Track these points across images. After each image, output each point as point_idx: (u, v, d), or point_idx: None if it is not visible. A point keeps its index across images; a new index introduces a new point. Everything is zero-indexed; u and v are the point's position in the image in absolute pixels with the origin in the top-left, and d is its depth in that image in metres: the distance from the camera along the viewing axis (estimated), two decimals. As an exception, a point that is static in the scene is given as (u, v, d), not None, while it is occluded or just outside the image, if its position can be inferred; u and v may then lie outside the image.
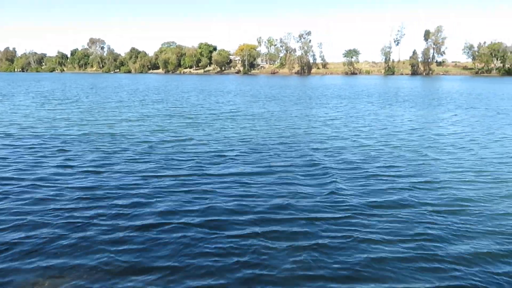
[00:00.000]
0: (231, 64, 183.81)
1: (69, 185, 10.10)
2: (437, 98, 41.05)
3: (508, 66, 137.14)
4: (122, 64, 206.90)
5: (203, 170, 11.69)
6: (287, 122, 22.45)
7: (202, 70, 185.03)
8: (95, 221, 7.88)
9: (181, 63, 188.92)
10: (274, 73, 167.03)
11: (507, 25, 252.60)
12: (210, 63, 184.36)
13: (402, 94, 47.02)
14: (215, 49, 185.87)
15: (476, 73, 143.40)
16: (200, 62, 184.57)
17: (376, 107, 31.61)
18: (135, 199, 9.16)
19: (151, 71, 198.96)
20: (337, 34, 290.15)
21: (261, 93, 49.23)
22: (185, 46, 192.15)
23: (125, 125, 20.72)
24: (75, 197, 9.24)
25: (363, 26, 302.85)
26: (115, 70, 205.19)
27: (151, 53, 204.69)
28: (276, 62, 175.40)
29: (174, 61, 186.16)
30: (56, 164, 12.13)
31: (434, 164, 12.61)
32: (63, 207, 8.63)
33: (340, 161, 12.84)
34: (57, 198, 9.20)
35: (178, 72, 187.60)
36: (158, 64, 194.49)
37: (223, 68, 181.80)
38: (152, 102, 35.64)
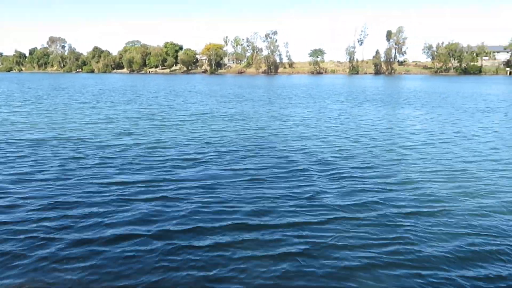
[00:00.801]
0: (197, 64, 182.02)
1: (28, 195, 9.36)
2: (404, 97, 42.05)
3: (465, 65, 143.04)
4: (84, 63, 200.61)
5: (175, 175, 11.23)
6: (259, 122, 22.22)
7: (168, 70, 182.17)
8: (58, 235, 7.25)
9: (147, 63, 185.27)
10: (241, 72, 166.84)
11: (463, 26, 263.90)
12: (176, 63, 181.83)
13: (370, 93, 47.93)
14: (181, 48, 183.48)
15: (435, 72, 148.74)
16: (166, 62, 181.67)
17: (346, 106, 31.92)
18: (102, 209, 8.59)
19: (115, 70, 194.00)
20: (303, 34, 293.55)
21: (231, 93, 48.81)
22: (150, 46, 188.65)
23: (91, 128, 19.78)
24: (34, 208, 8.54)
25: (328, 26, 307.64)
26: (77, 70, 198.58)
27: (115, 52, 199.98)
28: (243, 62, 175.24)
29: (139, 60, 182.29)
30: (13, 172, 11.28)
31: (407, 163, 12.73)
32: (20, 220, 7.92)
33: (315, 162, 12.73)
34: (13, 210, 8.46)
35: (143, 71, 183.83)
36: (122, 63, 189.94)
37: (189, 68, 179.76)
38: (118, 103, 34.46)
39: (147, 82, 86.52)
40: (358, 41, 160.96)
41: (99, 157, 13.31)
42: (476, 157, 13.57)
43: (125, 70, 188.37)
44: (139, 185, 10.27)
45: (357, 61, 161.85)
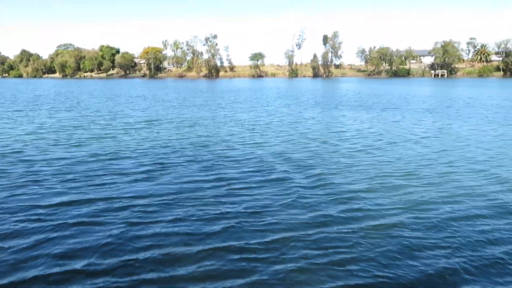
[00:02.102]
0: (136, 68, 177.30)
1: None
2: (348, 100, 44.07)
3: (395, 68, 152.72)
4: (11, 67, 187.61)
5: (129, 189, 10.95)
6: (209, 128, 22.44)
7: (104, 74, 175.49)
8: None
9: (81, 67, 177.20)
10: (181, 76, 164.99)
11: (393, 31, 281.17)
12: (113, 67, 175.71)
13: (318, 96, 49.67)
14: (118, 51, 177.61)
15: (369, 75, 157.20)
16: (102, 66, 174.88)
17: (299, 110, 32.88)
18: (38, 236, 7.91)
19: (46, 75, 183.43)
20: (243, 38, 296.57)
21: (175, 98, 48.26)
22: (85, 49, 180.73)
23: (25, 140, 18.66)
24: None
25: (268, 30, 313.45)
26: (3, 75, 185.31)
27: (45, 55, 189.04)
28: (183, 65, 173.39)
29: (72, 64, 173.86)
30: None
31: (361, 167, 13.70)
32: None
33: (273, 171, 13.23)
34: None
35: (77, 76, 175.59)
36: (54, 68, 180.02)
37: (127, 72, 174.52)
38: (55, 111, 32.92)
39: (84, 87, 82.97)
40: (297, 45, 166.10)
41: (37, 173, 12.60)
42: (424, 159, 14.94)
43: (57, 74, 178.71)
44: (93, 205, 9.86)
45: (296, 64, 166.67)
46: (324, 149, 16.44)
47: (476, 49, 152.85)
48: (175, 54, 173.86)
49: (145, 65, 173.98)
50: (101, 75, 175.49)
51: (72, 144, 17.60)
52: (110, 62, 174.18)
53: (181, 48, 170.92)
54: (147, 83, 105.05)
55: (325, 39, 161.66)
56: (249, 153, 15.71)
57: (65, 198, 10.14)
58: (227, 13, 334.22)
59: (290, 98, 47.55)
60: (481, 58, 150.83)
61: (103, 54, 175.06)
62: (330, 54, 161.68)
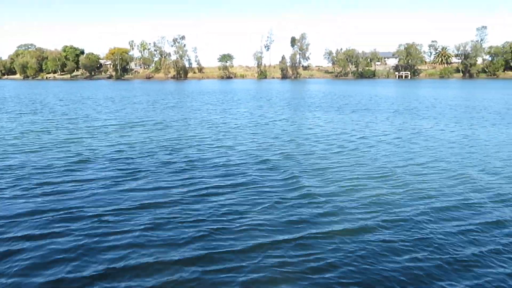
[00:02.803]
0: (101, 69, 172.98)
1: None
2: (321, 101, 44.70)
3: (361, 70, 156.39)
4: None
5: (97, 197, 10.57)
6: (181, 131, 22.14)
7: (68, 75, 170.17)
8: None
9: (43, 68, 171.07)
10: (149, 77, 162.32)
11: (358, 33, 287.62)
12: (77, 68, 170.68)
13: (290, 98, 50.05)
14: (82, 52, 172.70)
15: (336, 76, 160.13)
16: (65, 67, 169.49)
17: (271, 112, 32.97)
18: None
19: (5, 76, 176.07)
20: (212, 39, 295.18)
21: (145, 100, 47.38)
22: (47, 49, 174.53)
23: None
24: None
25: (236, 31, 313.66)
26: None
27: (4, 56, 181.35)
28: (151, 67, 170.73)
29: (34, 65, 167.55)
30: None
31: (332, 168, 13.89)
32: None
33: (247, 175, 13.25)
34: None
35: (40, 77, 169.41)
36: (14, 69, 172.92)
37: (92, 73, 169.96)
38: (17, 114, 31.52)
39: (48, 88, 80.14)
40: (265, 47, 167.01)
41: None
42: (399, 157, 15.33)
43: (18, 76, 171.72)
44: (60, 214, 9.59)
45: (265, 66, 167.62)
46: (298, 151, 16.52)
47: (437, 51, 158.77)
48: (142, 55, 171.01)
49: (111, 66, 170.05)
50: (65, 76, 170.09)
51: (35, 150, 16.85)
52: (74, 63, 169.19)
53: (148, 49, 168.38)
54: (114, 85, 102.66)
55: (293, 41, 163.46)
56: (222, 156, 15.60)
57: (27, 208, 9.67)
58: (195, 14, 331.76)
59: (262, 100, 47.72)
60: (442, 60, 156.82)
61: (66, 55, 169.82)
62: (298, 56, 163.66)
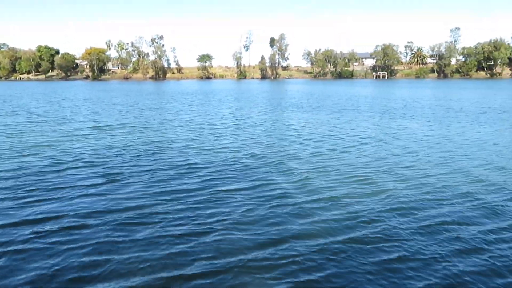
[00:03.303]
0: (78, 69, 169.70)
1: None
2: (303, 102, 45.01)
3: (339, 70, 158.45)
4: None
5: (76, 206, 10.31)
6: (164, 133, 21.95)
7: (43, 76, 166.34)
8: None
9: (17, 68, 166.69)
10: (127, 78, 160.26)
11: (337, 34, 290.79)
12: (52, 68, 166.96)
13: (272, 98, 50.20)
14: (57, 52, 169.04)
15: (315, 76, 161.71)
16: (40, 67, 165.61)
17: (256, 113, 33.05)
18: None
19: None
20: (191, 39, 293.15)
21: (128, 101, 46.70)
22: (21, 49, 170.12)
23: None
24: None
25: (215, 32, 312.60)
26: None
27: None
28: (128, 67, 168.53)
29: (7, 65, 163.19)
30: None
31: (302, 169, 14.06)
32: None
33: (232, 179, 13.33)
34: None
35: (13, 78, 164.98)
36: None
37: (68, 74, 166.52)
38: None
39: (23, 89, 78.04)
40: (244, 47, 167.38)
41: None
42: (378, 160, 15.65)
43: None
44: (28, 227, 9.39)
45: (244, 66, 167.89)
46: (286, 155, 16.44)
47: (413, 52, 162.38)
48: (119, 55, 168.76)
49: (88, 66, 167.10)
50: (40, 77, 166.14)
51: (9, 155, 16.29)
52: (49, 63, 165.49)
53: (126, 49, 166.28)
54: (91, 86, 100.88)
55: (272, 41, 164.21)
56: (207, 160, 15.48)
57: None
58: (174, 14, 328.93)
59: (245, 101, 47.78)
60: (417, 60, 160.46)
61: (41, 55, 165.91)
62: (277, 56, 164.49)
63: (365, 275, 6.91)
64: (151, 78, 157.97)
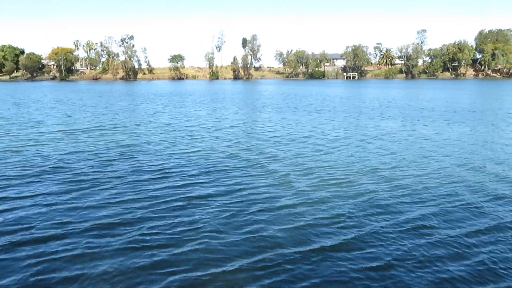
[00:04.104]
0: (44, 70, 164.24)
1: None
2: (279, 102, 45.01)
3: (311, 71, 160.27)
4: None
5: (43, 217, 9.85)
6: (140, 136, 21.38)
7: (7, 77, 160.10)
8: None
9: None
10: (96, 79, 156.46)
11: (308, 35, 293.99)
12: (17, 69, 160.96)
13: (247, 99, 49.99)
14: (22, 52, 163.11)
15: (287, 77, 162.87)
16: (3, 68, 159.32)
17: (231, 113, 32.80)
18: None
19: None
20: (162, 40, 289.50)
21: (99, 102, 45.36)
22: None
23: None
24: None
25: (187, 32, 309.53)
26: None
27: None
28: (98, 67, 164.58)
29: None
30: None
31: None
32: None
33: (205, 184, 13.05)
34: None
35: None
36: None
37: (34, 74, 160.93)
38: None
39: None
40: (216, 47, 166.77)
41: None
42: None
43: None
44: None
45: (217, 66, 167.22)
46: (265, 157, 16.28)
47: (382, 53, 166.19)
48: (88, 55, 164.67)
49: (55, 67, 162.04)
50: (3, 77, 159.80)
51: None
52: (14, 64, 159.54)
53: (95, 49, 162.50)
54: (59, 86, 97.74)
55: (244, 42, 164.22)
56: (184, 163, 15.10)
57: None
58: (144, 13, 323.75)
59: (221, 102, 47.39)
60: (386, 61, 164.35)
61: (4, 55, 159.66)
62: (249, 57, 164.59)
63: (346, 280, 6.84)
64: (122, 78, 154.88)
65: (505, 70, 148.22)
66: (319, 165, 14.78)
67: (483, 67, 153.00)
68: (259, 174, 13.60)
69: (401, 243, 8.21)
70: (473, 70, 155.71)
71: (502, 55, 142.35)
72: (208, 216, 9.69)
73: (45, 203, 10.60)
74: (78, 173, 13.77)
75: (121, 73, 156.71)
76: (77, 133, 23.18)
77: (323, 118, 30.53)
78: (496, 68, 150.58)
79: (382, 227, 9.04)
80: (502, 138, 20.91)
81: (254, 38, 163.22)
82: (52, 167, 14.61)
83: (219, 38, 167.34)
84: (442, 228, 9.00)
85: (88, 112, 35.96)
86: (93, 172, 13.90)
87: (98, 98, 55.85)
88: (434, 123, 26.72)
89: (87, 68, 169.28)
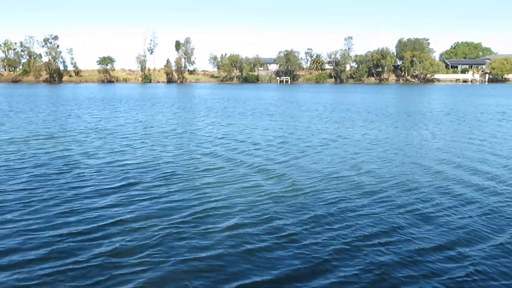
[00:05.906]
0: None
1: None
2: (215, 106, 44.86)
3: (245, 74, 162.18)
4: None
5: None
6: (79, 144, 20.31)
7: None
8: None
9: None
10: (16, 81, 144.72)
11: (242, 40, 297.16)
12: None
13: (186, 102, 49.13)
14: None
15: (222, 80, 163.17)
16: None
17: (171, 117, 32.08)
18: None
19: None
20: (90, 41, 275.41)
21: (20, 108, 42.01)
22: None
23: None
24: None
25: (118, 34, 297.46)
26: None
27: None
28: (18, 69, 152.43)
29: None
30: None
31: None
32: None
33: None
34: None
35: None
36: None
37: None
38: None
39: None
40: (148, 50, 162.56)
41: None
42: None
43: None
44: None
45: (149, 69, 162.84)
46: (211, 163, 16.51)
47: (312, 58, 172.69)
48: (6, 55, 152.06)
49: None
50: None
51: None
52: None
53: (14, 49, 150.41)
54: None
55: (178, 45, 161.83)
56: (135, 175, 14.83)
57: None
58: (70, 13, 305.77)
59: (158, 106, 46.32)
60: (317, 66, 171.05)
61: None
62: (183, 60, 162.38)
63: None
64: (45, 81, 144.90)
65: (421, 76, 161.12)
66: (278, 172, 15.16)
67: (403, 73, 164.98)
68: (210, 183, 13.66)
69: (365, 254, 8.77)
70: (395, 76, 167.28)
71: (419, 62, 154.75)
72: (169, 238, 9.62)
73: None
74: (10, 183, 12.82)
75: (44, 75, 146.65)
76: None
77: (277, 121, 31.13)
78: (414, 74, 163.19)
79: (345, 236, 9.58)
80: (419, 136, 22.92)
81: (187, 41, 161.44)
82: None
83: (151, 40, 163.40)
84: (400, 236, 9.76)
85: (15, 118, 33.33)
86: (21, 189, 12.24)
87: (17, 104, 51.81)
88: (371, 124, 28.48)
89: (5, 69, 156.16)
